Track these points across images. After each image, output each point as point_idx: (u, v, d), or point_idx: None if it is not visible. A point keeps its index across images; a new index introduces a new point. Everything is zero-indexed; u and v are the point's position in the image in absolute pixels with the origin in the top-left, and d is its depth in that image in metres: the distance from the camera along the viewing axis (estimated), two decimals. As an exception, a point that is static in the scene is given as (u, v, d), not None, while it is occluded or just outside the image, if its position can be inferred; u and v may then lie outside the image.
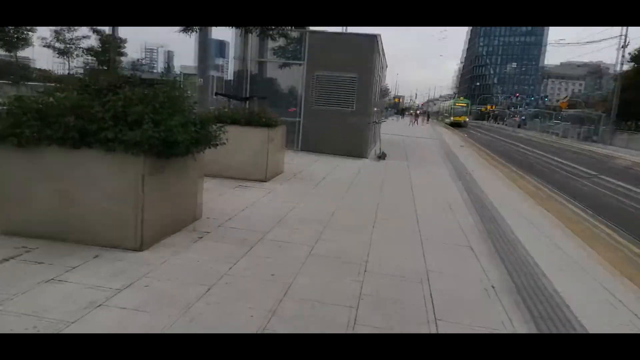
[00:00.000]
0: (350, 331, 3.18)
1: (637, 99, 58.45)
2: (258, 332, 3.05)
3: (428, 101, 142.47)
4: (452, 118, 61.11)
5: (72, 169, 4.24)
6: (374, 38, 13.27)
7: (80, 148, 4.16)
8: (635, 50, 64.19)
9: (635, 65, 65.48)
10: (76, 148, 4.16)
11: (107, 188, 4.23)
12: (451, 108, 64.23)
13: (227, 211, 6.03)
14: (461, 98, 72.11)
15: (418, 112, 76.54)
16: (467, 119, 62.25)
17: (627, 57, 54.65)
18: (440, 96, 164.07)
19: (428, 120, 65.53)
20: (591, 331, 3.52)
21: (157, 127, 4.19)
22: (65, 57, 38.17)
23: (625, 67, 54.63)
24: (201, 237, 4.90)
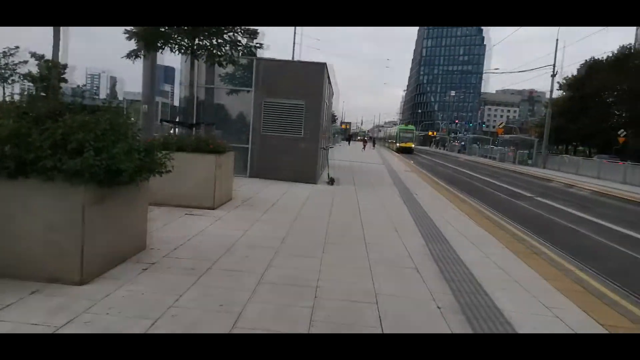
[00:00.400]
0: None
1: (567, 125, 62.73)
2: None
3: (374, 127, 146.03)
4: (398, 144, 58.70)
5: (8, 200, 4.03)
6: (323, 66, 13.58)
7: (17, 178, 3.97)
8: (564, 79, 69.19)
9: (564, 93, 70.41)
10: (12, 178, 3.96)
11: (46, 219, 4.04)
12: (397, 134, 61.98)
13: (174, 240, 5.88)
14: (407, 124, 71.47)
15: (366, 138, 78.15)
16: (414, 145, 59.93)
17: (557, 85, 58.73)
18: (385, 122, 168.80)
19: (374, 145, 66.01)
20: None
21: (99, 155, 4.07)
22: (0, 83, 36.36)
23: (557, 94, 58.67)
24: (146, 269, 4.74)
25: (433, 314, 4.18)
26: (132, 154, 4.49)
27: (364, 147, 54.88)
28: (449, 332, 3.82)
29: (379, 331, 3.71)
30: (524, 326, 4.06)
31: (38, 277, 4.04)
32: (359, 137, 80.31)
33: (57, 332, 3.13)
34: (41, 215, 4.03)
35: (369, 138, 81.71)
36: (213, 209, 8.11)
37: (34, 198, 4.03)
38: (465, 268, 5.74)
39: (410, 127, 66.55)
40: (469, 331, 3.86)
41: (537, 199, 16.81)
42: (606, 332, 4.13)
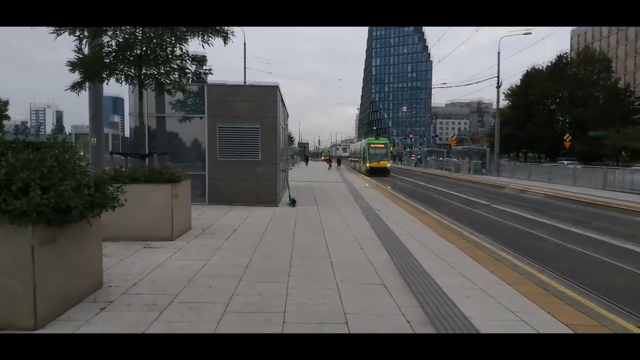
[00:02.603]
0: (273, 388, 3.06)
1: (515, 132, 65.55)
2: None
3: (332, 146, 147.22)
4: (368, 164, 41.79)
5: (-54, 247, 3.75)
6: (275, 88, 13.62)
7: (-44, 222, 3.71)
8: (508, 89, 72.43)
9: (509, 103, 73.66)
10: (-49, 222, 3.70)
11: (-9, 264, 3.78)
12: (366, 150, 43.97)
13: (132, 276, 5.65)
14: (377, 136, 48.86)
15: (331, 157, 72.94)
16: (389, 165, 43.50)
17: (502, 95, 61.33)
18: (342, 140, 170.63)
19: (339, 165, 55.70)
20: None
21: (46, 194, 3.88)
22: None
23: (503, 104, 61.17)
24: (104, 308, 4.52)
25: (403, 328, 4.17)
26: (81, 190, 4.31)
27: (329, 167, 51.23)
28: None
29: (350, 351, 3.65)
30: (492, 332, 4.10)
31: (-15, 326, 3.77)
32: (322, 157, 72.90)
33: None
34: (-15, 261, 3.78)
35: (332, 157, 71.39)
36: (172, 239, 7.87)
37: (-23, 243, 3.77)
38: (430, 279, 5.79)
39: (382, 139, 46.37)
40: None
41: (493, 205, 17.31)
42: (571, 331, 4.23)
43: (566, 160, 48.44)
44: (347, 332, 4.05)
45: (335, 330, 4.09)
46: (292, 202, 13.80)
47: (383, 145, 43.94)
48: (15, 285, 3.81)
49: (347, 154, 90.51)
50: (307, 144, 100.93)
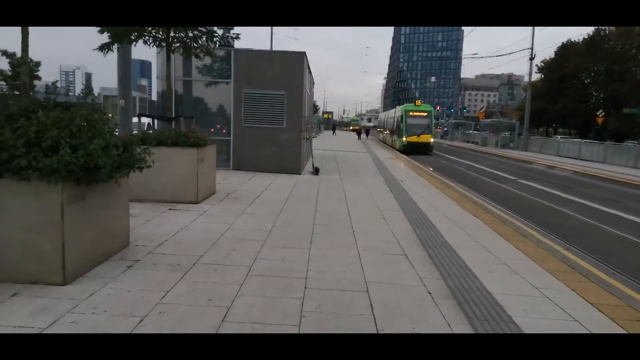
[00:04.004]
0: (293, 351, 3.10)
1: (546, 106, 63.61)
2: None
3: (356, 116, 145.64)
4: (405, 138, 31.89)
5: (-19, 202, 3.86)
6: (302, 55, 13.42)
7: (-9, 178, 3.81)
8: (541, 62, 69.95)
9: (542, 76, 71.25)
10: (-14, 178, 3.80)
11: (24, 220, 3.89)
12: (401, 120, 33.47)
13: (158, 236, 5.76)
14: (418, 102, 36.70)
15: (361, 127, 66.83)
16: (432, 140, 33.15)
17: (535, 68, 59.33)
18: (367, 110, 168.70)
19: (367, 136, 54.01)
20: (524, 328, 3.68)
21: (75, 152, 3.93)
22: (-30, 82, 35.31)
23: (535, 78, 59.25)
24: (130, 266, 4.63)
25: (424, 300, 4.16)
26: (109, 150, 4.36)
27: (359, 137, 48.98)
28: (441, 317, 3.80)
29: (370, 319, 3.67)
30: (515, 308, 4.06)
31: (19, 279, 3.92)
32: (351, 127, 66.94)
33: (45, 333, 3.02)
34: (18, 216, 3.89)
35: (364, 128, 63.31)
36: (197, 203, 7.98)
37: (10, 199, 3.87)
38: (453, 252, 5.74)
39: (425, 106, 35.16)
40: (461, 315, 3.85)
41: (520, 181, 16.98)
42: (596, 310, 4.16)
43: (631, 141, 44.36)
44: (368, 300, 4.06)
45: (356, 298, 4.11)
46: (316, 171, 13.78)
47: (425, 114, 33.28)
48: (45, 241, 3.92)
49: (372, 124, 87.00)
50: (332, 113, 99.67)
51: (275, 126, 13.23)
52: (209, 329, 3.34)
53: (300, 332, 3.39)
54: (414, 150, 30.19)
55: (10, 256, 3.91)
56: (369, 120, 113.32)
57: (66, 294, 3.81)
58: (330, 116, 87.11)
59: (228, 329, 3.38)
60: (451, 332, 3.53)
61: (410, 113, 33.20)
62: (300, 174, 13.49)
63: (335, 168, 16.03)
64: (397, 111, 37.07)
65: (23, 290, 3.81)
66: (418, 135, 31.80)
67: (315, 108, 49.28)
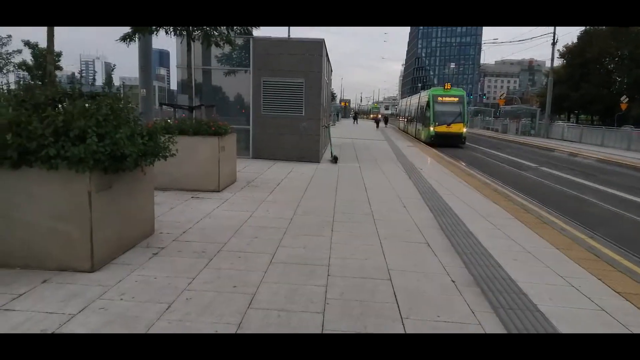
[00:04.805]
0: (319, 337, 3.13)
1: (568, 92, 62.18)
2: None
3: (373, 103, 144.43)
4: (434, 128, 26.71)
5: (12, 191, 3.96)
6: (321, 43, 13.35)
7: (20, 168, 3.90)
8: (563, 46, 68.25)
9: (564, 61, 69.61)
10: (16, 168, 3.89)
11: (52, 208, 3.98)
12: (428, 106, 28.08)
13: (182, 224, 5.84)
14: (447, 85, 29.81)
15: (379, 116, 64.37)
16: (465, 130, 27.44)
17: (556, 53, 57.92)
18: (385, 98, 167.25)
19: (386, 124, 52.55)
20: (550, 317, 3.64)
21: (102, 141, 3.99)
22: (-5, 73, 35.94)
23: (557, 63, 57.85)
24: (156, 253, 4.71)
25: (448, 288, 4.15)
26: (135, 139, 4.42)
27: (377, 126, 47.06)
28: (466, 305, 3.78)
29: (394, 307, 3.67)
30: (540, 296, 4.02)
31: (48, 266, 4.02)
32: (372, 115, 63.12)
33: (45, 333, 3.10)
34: (48, 205, 3.98)
35: (376, 117, 59.22)
36: (218, 191, 8.06)
37: (39, 187, 3.96)
38: (475, 240, 5.70)
39: (456, 90, 29.76)
40: (485, 304, 3.83)
41: (541, 168, 16.72)
42: (623, 299, 4.09)
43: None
44: (391, 287, 4.07)
45: (379, 286, 4.12)
46: (334, 159, 13.77)
47: (457, 99, 27.86)
48: (73, 229, 4.01)
49: (389, 112, 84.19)
50: (349, 100, 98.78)
51: (294, 114, 13.23)
52: (235, 316, 3.39)
53: (325, 320, 3.41)
54: (443, 142, 25.49)
55: (40, 243, 4.01)
56: (387, 107, 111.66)
57: (95, 281, 3.90)
58: (347, 104, 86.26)
59: (254, 315, 3.42)
60: (475, 322, 3.52)
61: (439, 98, 27.73)
62: (319, 162, 13.49)
63: (354, 156, 15.99)
64: (423, 96, 31.19)
65: (53, 277, 3.90)
66: (448, 125, 26.50)
67: (332, 96, 48.06)
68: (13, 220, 3.99)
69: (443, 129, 26.31)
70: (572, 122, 61.22)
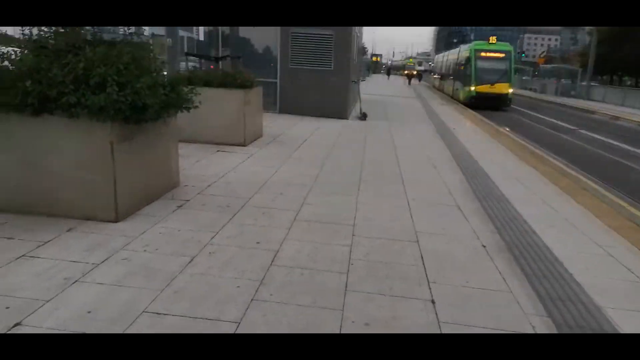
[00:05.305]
0: (341, 298, 3.03)
1: (612, 53, 58.91)
2: (245, 301, 2.88)
3: (405, 59, 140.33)
4: (473, 87, 23.55)
5: (35, 138, 3.92)
6: (352, -7, 12.74)
7: (41, 115, 3.83)
8: (610, 2, 64.04)
9: (611, 18, 65.26)
10: (37, 115, 3.82)
11: (75, 157, 3.93)
12: (468, 62, 24.81)
13: (207, 178, 5.77)
14: (492, 39, 25.29)
15: (413, 72, 58.26)
16: (511, 90, 24.05)
17: (603, 9, 54.34)
18: (418, 53, 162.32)
19: (420, 80, 51.02)
20: (585, 286, 3.44)
21: (122, 90, 3.86)
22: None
23: (601, 21, 54.29)
24: (180, 206, 4.66)
25: (478, 253, 3.98)
26: (156, 89, 4.27)
27: (409, 82, 44.84)
28: (496, 271, 3.61)
29: (421, 270, 3.53)
30: (576, 265, 3.81)
31: (73, 215, 4.00)
32: (405, 72, 60.16)
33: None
34: (71, 154, 3.92)
35: (411, 73, 52.71)
36: (244, 145, 7.95)
37: (62, 136, 3.90)
38: (509, 205, 5.45)
39: (502, 45, 25.78)
40: (517, 271, 3.64)
41: (581, 131, 16.00)
42: (668, 271, 3.84)
43: None
44: (418, 250, 3.92)
45: (405, 248, 3.97)
46: (363, 116, 13.43)
47: (503, 55, 24.42)
48: (96, 179, 3.95)
49: (422, 68, 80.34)
50: (380, 55, 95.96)
51: (323, 68, 12.83)
52: (258, 272, 3.31)
53: (348, 281, 3.30)
54: (484, 103, 22.25)
55: (65, 192, 3.99)
56: (419, 63, 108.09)
57: (119, 231, 3.87)
58: (379, 59, 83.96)
59: (276, 272, 3.34)
60: (506, 289, 3.35)
61: (482, 54, 24.30)
62: (347, 119, 13.19)
63: (383, 114, 15.59)
64: (463, 51, 27.57)
65: (78, 226, 3.89)
66: (492, 84, 23.06)
67: (363, 50, 46.45)
68: (39, 168, 3.96)
69: (485, 88, 23.05)
70: (615, 85, 58.29)
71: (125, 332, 2.51)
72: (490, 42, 25.11)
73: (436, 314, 2.94)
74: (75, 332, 2.48)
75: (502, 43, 26.24)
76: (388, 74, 61.88)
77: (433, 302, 3.08)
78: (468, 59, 24.87)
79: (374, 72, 69.82)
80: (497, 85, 23.09)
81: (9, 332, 2.43)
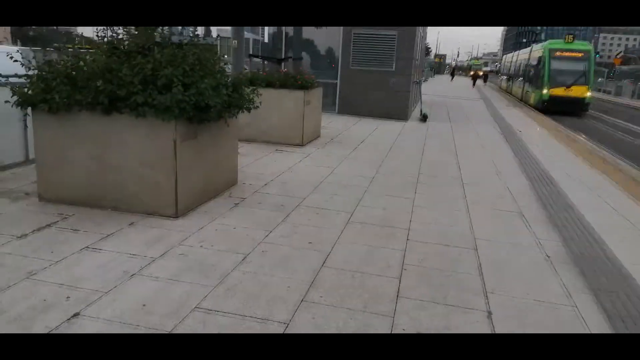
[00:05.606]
0: (392, 304, 2.97)
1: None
2: (295, 302, 2.89)
3: (470, 59, 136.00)
4: (546, 91, 21.16)
5: (105, 135, 4.14)
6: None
7: (111, 114, 4.04)
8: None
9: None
10: (107, 114, 4.04)
11: (141, 154, 4.12)
12: (542, 63, 22.30)
13: (264, 176, 5.87)
14: (569, 37, 22.48)
15: (480, 72, 56.34)
16: (590, 94, 21.36)
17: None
18: (484, 54, 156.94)
19: (485, 81, 48.68)
20: (661, 306, 3.17)
21: (187, 91, 4.00)
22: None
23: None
24: (237, 204, 4.77)
25: (540, 264, 3.77)
26: (220, 90, 4.40)
27: (473, 84, 42.15)
28: (560, 284, 3.40)
29: (478, 279, 3.40)
30: (652, 283, 3.52)
31: (135, 209, 4.20)
32: (471, 72, 56.24)
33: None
34: (137, 151, 4.12)
35: (477, 74, 49.25)
36: (302, 145, 8.02)
37: (128, 134, 4.10)
38: (577, 213, 5.13)
39: (581, 44, 23.45)
40: (583, 285, 3.41)
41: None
42: None
43: None
44: (476, 258, 3.77)
45: (463, 255, 3.83)
46: (424, 118, 13.16)
47: (581, 54, 21.96)
48: (159, 176, 4.12)
49: (489, 69, 76.74)
50: (444, 56, 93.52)
51: (384, 69, 12.70)
52: (309, 273, 3.32)
53: (401, 287, 3.23)
54: (559, 108, 20.38)
55: (129, 188, 4.19)
56: (485, 64, 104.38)
57: (178, 227, 4.02)
58: (442, 59, 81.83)
59: (327, 274, 3.33)
60: (570, 304, 3.15)
61: (557, 53, 21.95)
62: (407, 120, 12.98)
63: (445, 115, 15.20)
64: (535, 50, 25.20)
65: (140, 220, 4.08)
66: (568, 87, 20.89)
67: (427, 50, 44.72)
68: (106, 163, 4.18)
69: (560, 91, 20.84)
70: None
71: (174, 331, 2.58)
72: (567, 40, 22.65)
73: (493, 326, 2.81)
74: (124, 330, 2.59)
75: (581, 42, 24.14)
76: (452, 74, 58.94)
77: (490, 313, 2.95)
78: (541, 59, 22.69)
79: (437, 73, 67.75)
80: (573, 88, 20.97)
81: (66, 322, 2.57)
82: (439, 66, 73.75)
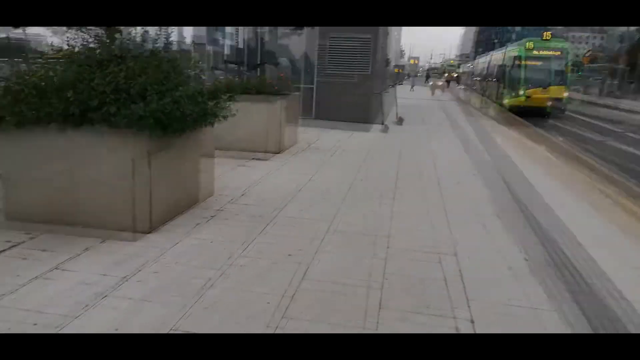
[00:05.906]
0: (375, 317, 2.93)
1: (664, 51, 55.89)
2: (275, 319, 2.82)
3: (443, 62, 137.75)
4: (521, 92, 19.92)
5: (74, 149, 3.97)
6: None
7: (82, 125, 3.89)
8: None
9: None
10: (77, 126, 3.89)
11: (112, 167, 3.97)
12: (515, 62, 21.09)
13: (240, 186, 5.78)
14: (546, 35, 20.84)
15: (447, 76, 55.72)
16: (566, 94, 20.53)
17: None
18: (457, 55, 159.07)
19: (458, 83, 48.15)
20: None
21: (162, 100, 3.89)
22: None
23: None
24: (214, 216, 4.67)
25: (520, 267, 3.78)
26: (196, 98, 4.30)
27: (447, 86, 41.51)
28: (541, 291, 3.42)
29: (459, 287, 3.38)
30: (622, 280, 3.57)
31: (107, 225, 3.99)
32: (446, 75, 52.65)
33: (114, 294, 3.08)
34: (107, 164, 3.96)
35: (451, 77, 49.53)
36: (279, 153, 7.94)
37: (100, 146, 3.94)
38: (555, 216, 5.20)
39: (557, 41, 21.74)
40: (562, 287, 3.44)
41: (628, 135, 15.23)
42: None
43: None
44: (456, 264, 3.76)
45: (443, 262, 3.82)
46: (400, 121, 13.25)
47: (558, 53, 20.88)
48: (132, 189, 3.97)
49: (462, 71, 75.86)
50: (418, 58, 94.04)
51: (360, 73, 12.71)
52: (288, 286, 3.25)
53: (383, 297, 3.19)
54: (532, 110, 19.15)
55: (100, 203, 4.02)
56: (458, 66, 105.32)
57: (152, 242, 3.89)
58: (416, 61, 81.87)
59: (308, 286, 3.27)
60: (551, 308, 3.16)
61: (534, 52, 20.78)
62: (383, 123, 13.02)
63: (420, 119, 15.32)
64: (511, 50, 23.25)
65: (111, 237, 3.89)
66: (544, 88, 19.77)
67: (401, 53, 44.25)
68: (76, 179, 4.02)
69: (537, 93, 19.74)
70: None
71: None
72: (544, 37, 21.16)
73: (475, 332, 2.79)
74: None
75: (558, 39, 22.59)
76: (426, 78, 54.94)
77: (472, 321, 2.94)
78: (516, 58, 21.14)
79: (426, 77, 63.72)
80: (549, 88, 19.83)
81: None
82: (397, 76, 71.52)
